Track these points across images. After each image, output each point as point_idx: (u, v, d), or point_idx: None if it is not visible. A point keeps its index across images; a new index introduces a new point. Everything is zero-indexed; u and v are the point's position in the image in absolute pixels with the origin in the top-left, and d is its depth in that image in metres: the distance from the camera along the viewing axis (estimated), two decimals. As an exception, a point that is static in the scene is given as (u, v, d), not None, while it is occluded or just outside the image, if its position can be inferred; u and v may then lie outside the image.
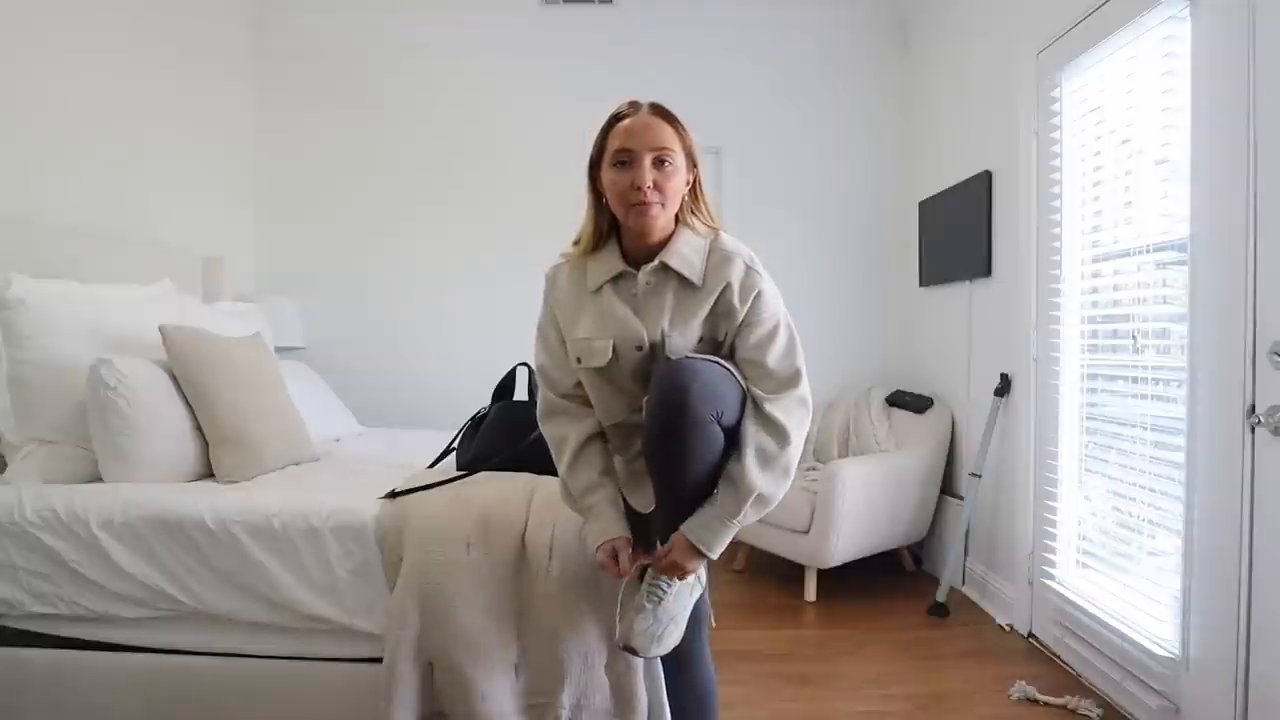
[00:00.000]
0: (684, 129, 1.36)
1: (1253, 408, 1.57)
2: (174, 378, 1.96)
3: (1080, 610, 2.14)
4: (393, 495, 1.72)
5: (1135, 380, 2.00)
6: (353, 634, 1.66)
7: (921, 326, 3.38)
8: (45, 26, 2.32)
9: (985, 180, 2.74)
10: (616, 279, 1.39)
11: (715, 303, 1.35)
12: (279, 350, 3.00)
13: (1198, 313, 1.73)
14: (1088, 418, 2.23)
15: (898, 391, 3.25)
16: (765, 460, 1.30)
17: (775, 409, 1.32)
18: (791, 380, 1.35)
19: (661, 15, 3.51)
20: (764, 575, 3.03)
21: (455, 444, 2.06)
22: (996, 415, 2.65)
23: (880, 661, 2.28)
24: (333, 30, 3.51)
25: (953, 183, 3.00)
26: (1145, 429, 1.95)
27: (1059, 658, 2.26)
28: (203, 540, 1.67)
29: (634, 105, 1.36)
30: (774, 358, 1.35)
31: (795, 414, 1.33)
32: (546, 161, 3.47)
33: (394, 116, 3.52)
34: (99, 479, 1.85)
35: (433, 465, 2.01)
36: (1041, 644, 2.36)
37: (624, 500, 1.46)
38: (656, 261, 1.35)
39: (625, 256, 1.40)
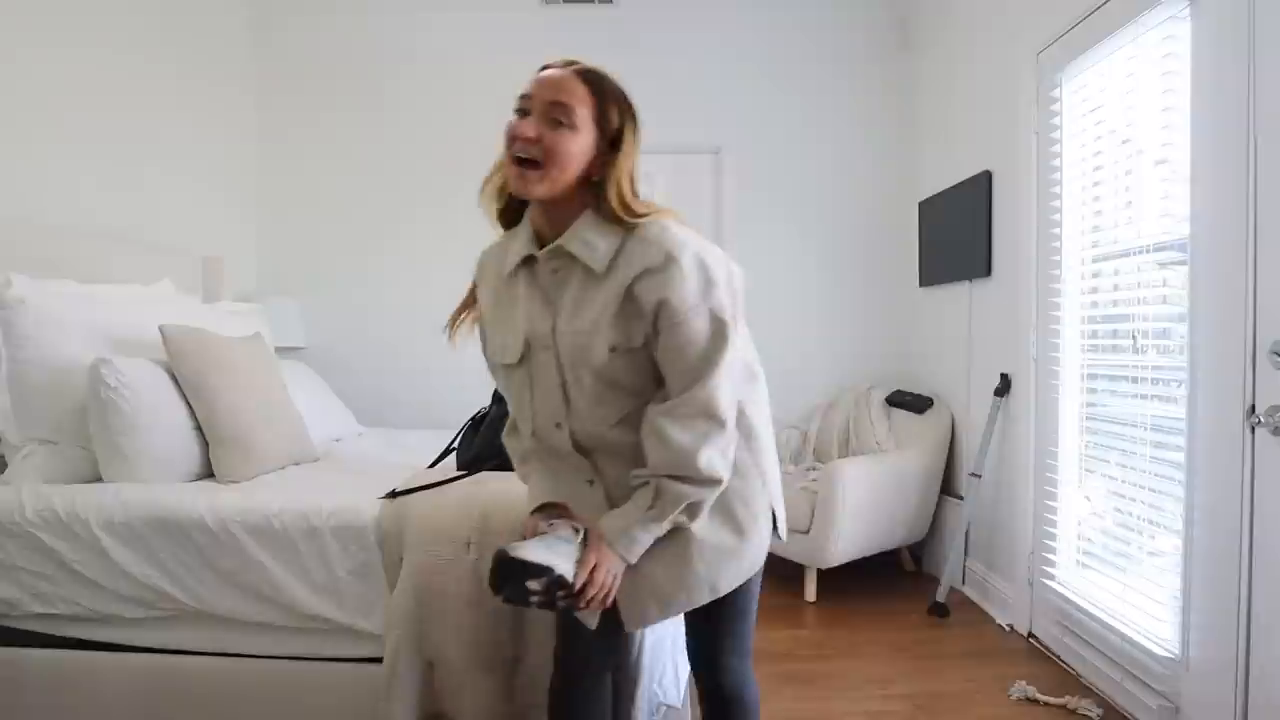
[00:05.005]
0: (609, 98, 1.16)
1: (1253, 408, 1.56)
2: (174, 378, 1.96)
3: (1080, 610, 2.14)
4: (393, 495, 1.72)
5: (1135, 380, 2.00)
6: (353, 634, 1.66)
7: (921, 327, 3.38)
8: (46, 27, 2.31)
9: (985, 180, 2.74)
10: (528, 263, 1.24)
11: (624, 299, 1.13)
12: (279, 350, 2.99)
13: (1198, 313, 1.73)
14: (1088, 418, 2.23)
15: (898, 391, 3.25)
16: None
17: (670, 423, 1.12)
18: (696, 383, 1.12)
19: (661, 15, 3.50)
20: (764, 575, 3.02)
21: (455, 444, 2.06)
22: (996, 415, 2.65)
23: (880, 661, 2.28)
24: (333, 30, 3.51)
25: (953, 183, 3.00)
26: (1145, 429, 1.95)
27: (1059, 658, 2.26)
28: (203, 540, 1.67)
29: (567, 62, 1.18)
30: (685, 362, 1.13)
31: (698, 427, 1.12)
32: (546, 161, 3.46)
33: (394, 116, 3.52)
34: (99, 479, 1.85)
35: (433, 465, 2.01)
36: (1041, 644, 2.36)
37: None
38: (554, 245, 1.18)
39: (537, 238, 1.23)
